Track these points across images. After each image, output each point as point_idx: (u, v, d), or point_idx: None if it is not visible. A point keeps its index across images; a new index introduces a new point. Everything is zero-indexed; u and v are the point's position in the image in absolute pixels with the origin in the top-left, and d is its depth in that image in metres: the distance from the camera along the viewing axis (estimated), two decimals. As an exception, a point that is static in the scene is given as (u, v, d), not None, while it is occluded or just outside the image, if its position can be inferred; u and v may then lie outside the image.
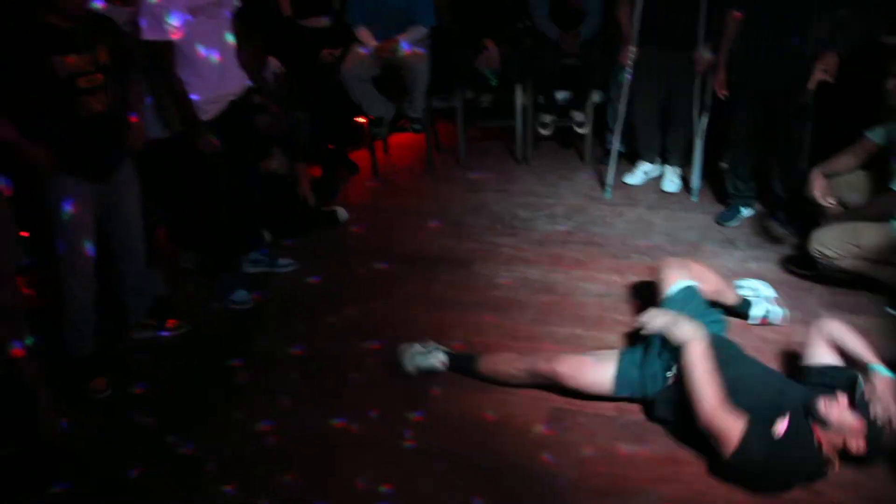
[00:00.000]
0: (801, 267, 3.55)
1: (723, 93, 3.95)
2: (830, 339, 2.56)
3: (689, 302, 2.83)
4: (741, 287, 3.27)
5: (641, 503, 2.37)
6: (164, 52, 3.16)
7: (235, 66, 3.43)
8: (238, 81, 3.47)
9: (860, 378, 2.35)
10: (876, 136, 3.44)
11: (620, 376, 2.67)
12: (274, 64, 4.55)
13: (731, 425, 2.29)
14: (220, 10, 3.33)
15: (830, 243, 3.27)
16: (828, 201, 3.40)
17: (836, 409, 2.27)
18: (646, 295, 3.31)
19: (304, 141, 4.57)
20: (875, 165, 3.51)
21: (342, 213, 4.44)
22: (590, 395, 2.74)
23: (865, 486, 2.38)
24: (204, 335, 3.41)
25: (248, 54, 3.58)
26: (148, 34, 3.11)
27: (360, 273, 3.84)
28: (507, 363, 2.88)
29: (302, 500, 2.45)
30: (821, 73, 3.53)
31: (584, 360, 2.75)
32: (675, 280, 2.91)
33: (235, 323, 3.50)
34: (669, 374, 2.60)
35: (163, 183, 3.63)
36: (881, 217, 3.26)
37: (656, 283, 3.00)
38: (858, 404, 2.27)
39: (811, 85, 3.58)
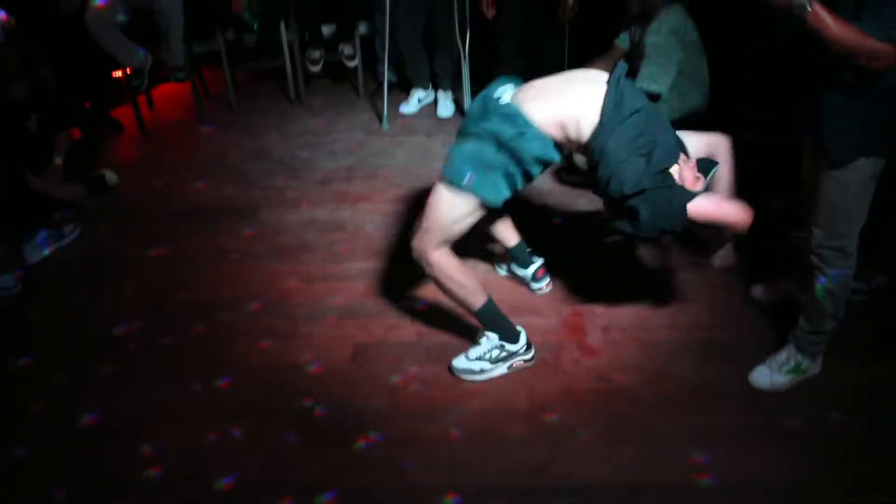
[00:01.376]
0: (571, 174, 3.79)
1: (490, 13, 4.07)
2: (709, 151, 2.56)
3: None
4: None
5: (454, 418, 2.49)
6: None
7: None
8: None
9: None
10: (622, 42, 3.69)
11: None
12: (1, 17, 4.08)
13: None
14: None
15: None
16: None
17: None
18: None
19: (54, 103, 4.18)
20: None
21: (111, 176, 4.13)
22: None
23: (647, 369, 2.65)
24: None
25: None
26: None
27: (139, 237, 3.62)
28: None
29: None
30: None
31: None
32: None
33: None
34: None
35: None
36: None
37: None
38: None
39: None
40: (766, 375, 2.56)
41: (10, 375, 2.81)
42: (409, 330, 2.88)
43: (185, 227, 3.67)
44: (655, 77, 3.27)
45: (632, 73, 3.06)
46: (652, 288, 3.06)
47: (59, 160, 4.00)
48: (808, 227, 2.37)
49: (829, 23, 1.95)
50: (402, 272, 3.13)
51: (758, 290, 2.98)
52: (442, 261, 2.48)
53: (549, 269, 3.08)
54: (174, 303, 3.13)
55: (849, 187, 2.21)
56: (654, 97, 3.21)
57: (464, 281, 2.53)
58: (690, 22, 3.32)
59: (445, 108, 4.64)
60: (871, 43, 1.96)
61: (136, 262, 3.43)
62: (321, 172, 4.08)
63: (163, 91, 5.13)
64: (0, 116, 3.35)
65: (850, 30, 1.96)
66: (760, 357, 2.60)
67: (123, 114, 4.83)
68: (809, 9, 1.94)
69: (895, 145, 2.17)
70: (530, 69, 4.10)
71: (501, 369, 2.65)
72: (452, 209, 2.41)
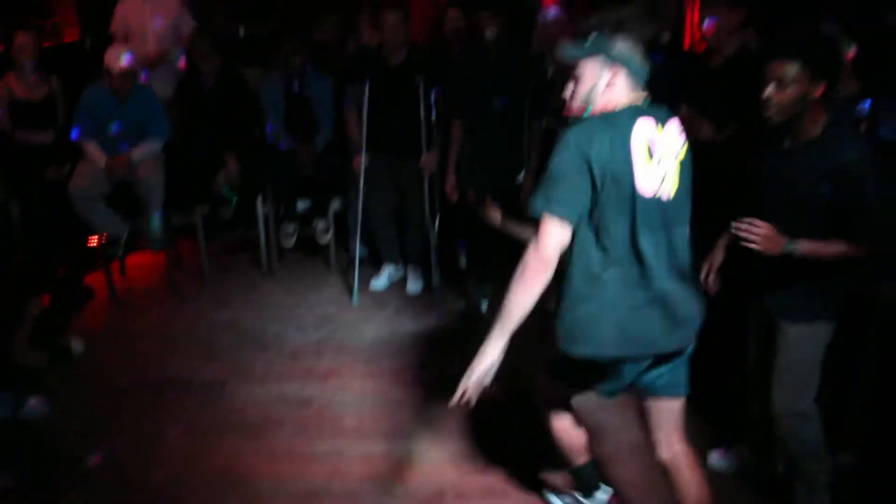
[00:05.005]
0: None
1: (453, 197, 4.29)
2: None
3: None
4: None
5: None
6: None
7: None
8: None
9: None
10: None
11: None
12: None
13: None
14: None
15: None
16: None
17: None
18: (399, 402, 3.44)
19: (26, 267, 4.23)
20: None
21: (77, 345, 4.11)
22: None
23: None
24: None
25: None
26: None
27: (102, 408, 3.56)
28: None
29: None
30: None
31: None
32: None
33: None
34: None
35: None
36: None
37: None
38: None
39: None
40: None
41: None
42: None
43: (150, 399, 3.63)
44: None
45: None
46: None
47: (27, 326, 4.00)
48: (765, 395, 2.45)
49: (815, 247, 2.23)
50: (367, 453, 3.12)
51: (714, 457, 2.98)
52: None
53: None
54: (136, 479, 3.05)
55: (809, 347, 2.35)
56: None
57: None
58: None
59: (415, 284, 4.75)
60: (851, 250, 2.22)
61: (97, 434, 3.35)
62: (290, 346, 4.11)
63: (136, 259, 5.20)
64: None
65: (836, 246, 2.23)
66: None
67: (95, 279, 4.86)
68: (797, 248, 2.22)
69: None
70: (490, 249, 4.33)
71: None
72: None
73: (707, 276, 2.72)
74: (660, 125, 2.10)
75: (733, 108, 3.26)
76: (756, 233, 2.26)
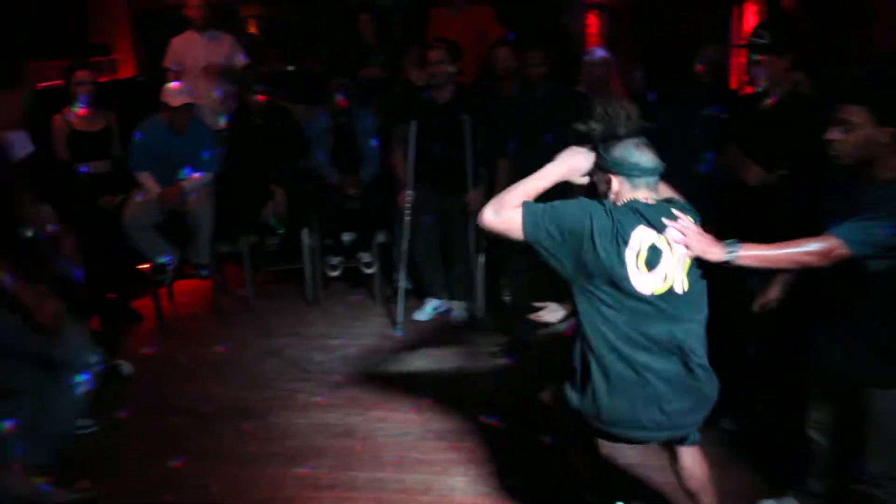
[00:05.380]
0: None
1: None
2: None
3: None
4: None
5: None
6: None
7: None
8: None
9: None
10: None
11: None
12: (46, 213, 4.32)
13: None
14: None
15: None
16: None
17: None
18: (441, 434, 3.48)
19: (79, 290, 4.33)
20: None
21: (126, 367, 4.20)
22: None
23: None
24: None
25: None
26: None
27: (147, 431, 3.63)
28: None
29: None
30: None
31: None
32: None
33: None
34: None
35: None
36: None
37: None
38: None
39: None
40: None
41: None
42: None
43: (194, 425, 3.68)
44: None
45: None
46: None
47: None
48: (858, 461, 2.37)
49: (759, 255, 2.20)
50: (407, 486, 3.13)
51: None
52: None
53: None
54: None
55: None
56: None
57: None
58: None
59: (459, 318, 4.78)
60: (811, 247, 2.18)
61: (140, 456, 3.41)
62: (334, 376, 4.14)
63: (183, 285, 5.30)
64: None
65: (781, 249, 2.20)
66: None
67: (143, 304, 4.98)
68: (738, 254, 2.17)
69: None
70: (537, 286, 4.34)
71: None
72: None
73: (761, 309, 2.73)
74: (662, 235, 2.21)
75: (785, 150, 3.25)
76: (687, 232, 2.21)
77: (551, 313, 2.71)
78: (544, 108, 4.10)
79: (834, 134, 2.27)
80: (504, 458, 3.33)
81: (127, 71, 7.15)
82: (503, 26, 5.34)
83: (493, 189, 4.36)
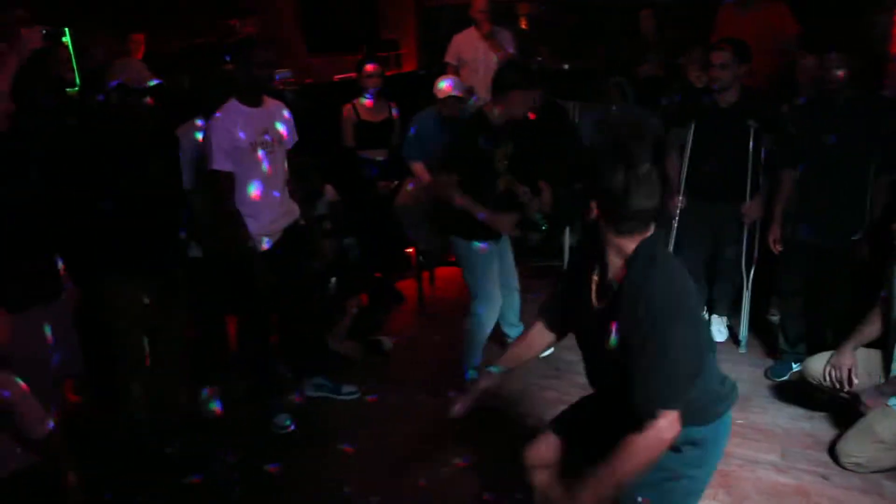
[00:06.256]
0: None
1: (777, 248, 4.00)
2: None
3: None
4: None
5: None
6: (225, 182, 3.31)
7: (288, 199, 3.62)
8: (291, 215, 3.64)
9: None
10: None
11: None
12: (329, 192, 4.71)
13: None
14: (281, 148, 3.53)
15: (855, 451, 3.22)
16: (854, 382, 3.33)
17: None
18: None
19: (352, 267, 4.65)
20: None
21: (387, 342, 4.46)
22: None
23: None
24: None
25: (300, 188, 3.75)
26: (216, 164, 3.28)
27: (404, 407, 3.84)
28: None
29: None
30: None
31: None
32: None
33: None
34: None
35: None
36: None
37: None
38: None
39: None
40: None
41: None
42: None
43: (440, 404, 3.81)
44: None
45: None
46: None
47: (346, 320, 4.41)
48: None
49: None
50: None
51: None
52: None
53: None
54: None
55: None
56: None
57: None
58: None
59: (719, 333, 4.52)
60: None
61: (394, 429, 3.61)
62: (583, 377, 4.05)
63: (445, 272, 5.52)
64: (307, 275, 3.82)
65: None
66: None
67: (406, 286, 5.24)
68: None
69: None
70: (808, 308, 3.98)
71: None
72: None
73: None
74: None
75: None
76: None
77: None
78: (844, 117, 3.71)
79: None
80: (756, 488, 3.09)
81: (410, 65, 7.58)
82: (799, 25, 4.90)
83: (772, 201, 4.07)
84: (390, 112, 5.35)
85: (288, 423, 3.65)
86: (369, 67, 5.25)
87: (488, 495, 3.16)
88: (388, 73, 5.95)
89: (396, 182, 5.12)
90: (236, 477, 3.29)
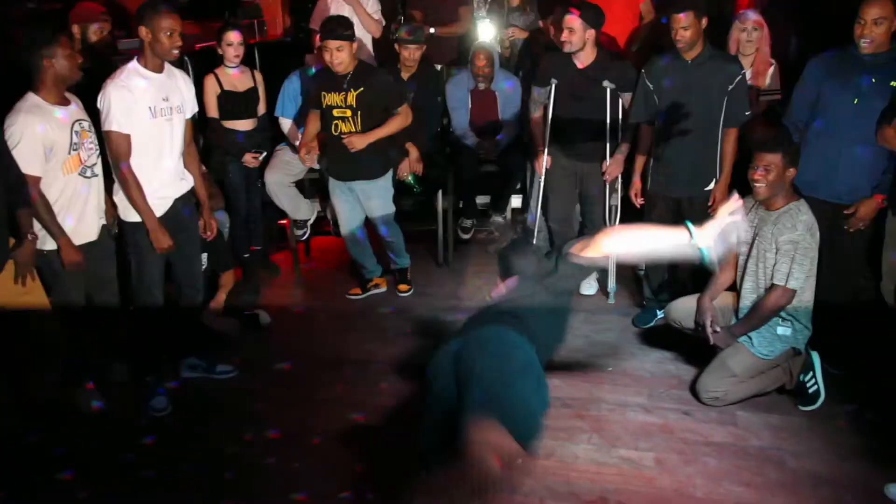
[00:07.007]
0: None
1: (638, 202, 4.19)
2: None
3: None
4: None
5: None
6: (121, 144, 3.23)
7: (182, 169, 3.57)
8: (187, 182, 3.59)
9: None
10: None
11: None
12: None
13: None
14: (181, 115, 3.47)
15: (712, 386, 3.46)
16: (715, 328, 3.52)
17: None
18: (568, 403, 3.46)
19: (226, 243, 4.53)
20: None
21: (264, 316, 4.39)
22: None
23: None
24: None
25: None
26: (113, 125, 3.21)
27: (281, 378, 3.82)
28: None
29: None
30: None
31: None
32: None
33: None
34: None
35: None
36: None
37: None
38: None
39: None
40: None
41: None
42: None
43: (326, 375, 3.82)
44: (796, 275, 3.31)
45: None
46: None
47: (221, 296, 4.31)
48: None
49: None
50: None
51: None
52: None
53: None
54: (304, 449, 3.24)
55: None
56: None
57: None
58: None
59: (589, 286, 4.67)
60: None
61: (273, 403, 3.59)
62: (460, 337, 4.15)
63: (320, 242, 5.46)
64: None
65: None
66: None
67: (281, 258, 5.17)
68: None
69: None
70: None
71: None
72: None
73: None
74: None
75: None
76: None
77: None
78: (693, 76, 3.88)
79: None
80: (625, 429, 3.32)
81: (274, 32, 7.36)
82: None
83: (632, 156, 4.24)
84: (254, 81, 5.19)
85: (164, 405, 3.54)
86: (231, 35, 5.07)
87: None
88: (251, 41, 5.77)
89: (265, 153, 4.99)
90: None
